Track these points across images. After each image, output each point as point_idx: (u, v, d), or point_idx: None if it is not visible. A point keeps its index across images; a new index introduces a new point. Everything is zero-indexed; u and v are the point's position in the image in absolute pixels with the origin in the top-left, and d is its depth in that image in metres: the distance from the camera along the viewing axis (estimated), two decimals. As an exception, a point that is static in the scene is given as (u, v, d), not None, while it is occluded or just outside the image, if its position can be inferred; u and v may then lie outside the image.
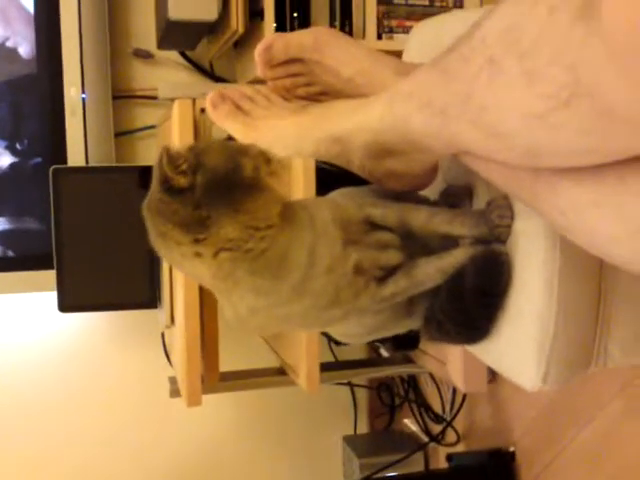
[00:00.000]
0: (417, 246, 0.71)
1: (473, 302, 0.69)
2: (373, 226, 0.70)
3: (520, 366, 0.70)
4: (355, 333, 0.80)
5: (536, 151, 0.48)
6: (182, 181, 0.57)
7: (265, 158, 0.60)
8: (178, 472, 1.84)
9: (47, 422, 1.76)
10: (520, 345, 0.69)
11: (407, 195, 0.73)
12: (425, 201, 0.76)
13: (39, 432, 1.75)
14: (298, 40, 0.73)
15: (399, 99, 0.59)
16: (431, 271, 0.70)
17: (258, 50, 0.74)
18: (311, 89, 0.77)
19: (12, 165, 1.55)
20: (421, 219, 0.70)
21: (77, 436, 1.78)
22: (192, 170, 0.58)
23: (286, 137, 0.71)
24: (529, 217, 0.67)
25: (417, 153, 0.64)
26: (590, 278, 0.68)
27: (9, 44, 1.50)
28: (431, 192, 0.77)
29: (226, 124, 0.76)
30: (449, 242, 0.71)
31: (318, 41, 0.73)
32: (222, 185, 0.59)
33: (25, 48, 1.50)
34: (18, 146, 1.54)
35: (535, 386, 0.70)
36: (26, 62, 1.51)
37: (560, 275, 0.66)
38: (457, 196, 0.75)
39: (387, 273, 0.69)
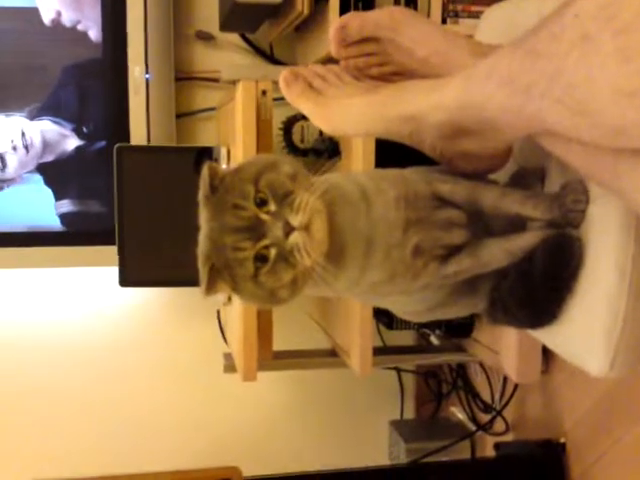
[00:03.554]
0: (483, 225, 0.71)
1: (542, 285, 0.69)
2: (441, 202, 0.70)
3: (587, 351, 0.70)
4: (415, 310, 0.81)
5: (624, 129, 0.47)
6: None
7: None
8: (225, 445, 1.88)
9: (102, 393, 1.81)
10: (589, 330, 0.69)
11: (476, 178, 0.73)
12: (494, 184, 0.75)
13: (96, 402, 1.81)
14: (374, 19, 0.73)
15: (478, 78, 0.59)
16: (498, 252, 0.69)
17: (334, 29, 0.74)
18: (384, 69, 0.77)
19: (78, 147, 1.59)
20: (492, 197, 0.69)
21: (129, 407, 1.83)
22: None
23: (357, 115, 0.72)
24: (603, 202, 0.66)
25: (492, 133, 0.64)
26: (664, 266, 0.67)
27: (80, 27, 1.53)
28: (501, 176, 0.77)
29: (298, 102, 0.77)
30: (517, 224, 0.71)
31: (394, 20, 0.73)
32: None
33: (94, 32, 1.53)
34: (85, 129, 1.58)
35: (602, 372, 0.69)
36: (95, 45, 1.54)
37: (634, 262, 0.65)
38: (528, 179, 0.74)
39: (450, 251, 0.70)
